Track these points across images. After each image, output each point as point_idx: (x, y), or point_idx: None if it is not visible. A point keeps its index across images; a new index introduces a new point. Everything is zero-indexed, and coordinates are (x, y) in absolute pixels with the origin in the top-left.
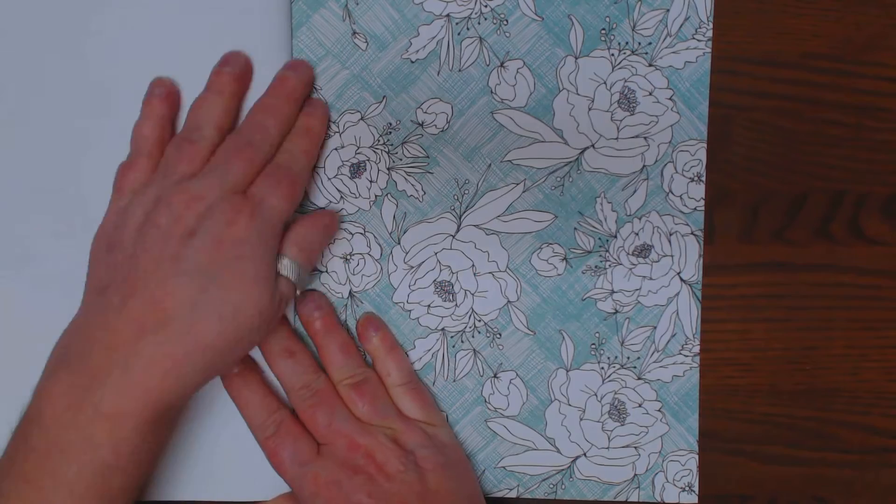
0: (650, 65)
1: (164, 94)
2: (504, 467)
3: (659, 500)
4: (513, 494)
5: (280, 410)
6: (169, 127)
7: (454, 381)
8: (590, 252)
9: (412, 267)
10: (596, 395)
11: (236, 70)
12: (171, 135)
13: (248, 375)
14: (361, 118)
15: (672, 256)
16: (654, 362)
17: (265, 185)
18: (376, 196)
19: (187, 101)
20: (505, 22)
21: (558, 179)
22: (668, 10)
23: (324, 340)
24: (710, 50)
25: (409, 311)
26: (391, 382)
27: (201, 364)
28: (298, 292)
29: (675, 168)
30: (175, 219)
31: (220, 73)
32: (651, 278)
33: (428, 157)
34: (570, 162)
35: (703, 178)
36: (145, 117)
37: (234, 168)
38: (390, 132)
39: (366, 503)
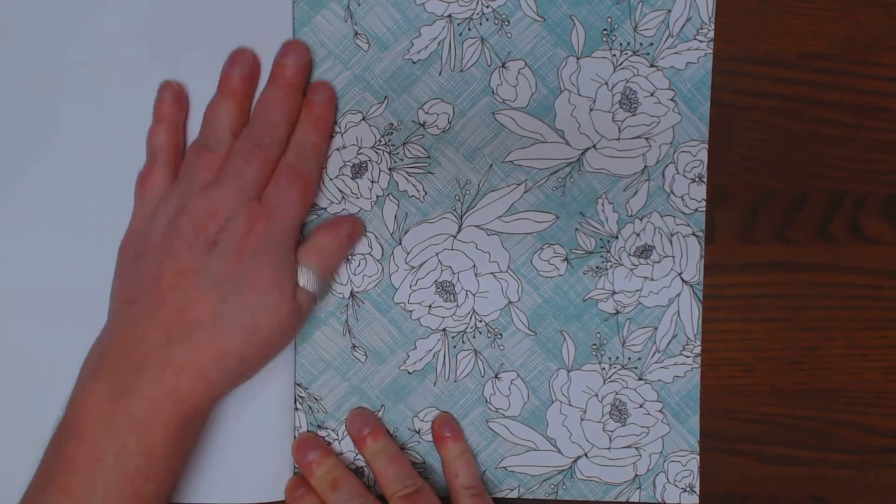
0: (652, 65)
1: (174, 98)
2: (505, 468)
3: (660, 500)
4: (514, 495)
5: None
6: (181, 129)
7: (455, 381)
8: (591, 253)
9: (413, 267)
10: (597, 395)
11: (245, 70)
12: (183, 137)
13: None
14: (363, 118)
15: (673, 257)
16: (655, 363)
17: (277, 188)
18: (378, 196)
19: (192, 102)
20: (506, 22)
21: (560, 180)
22: (669, 11)
23: (374, 455)
24: (711, 51)
25: (411, 311)
26: (459, 484)
27: (227, 371)
28: (317, 302)
29: (677, 169)
30: (198, 230)
31: (229, 75)
32: (652, 279)
33: (429, 157)
34: (572, 162)
35: (705, 179)
36: (157, 122)
37: (248, 174)
38: (392, 132)
39: None
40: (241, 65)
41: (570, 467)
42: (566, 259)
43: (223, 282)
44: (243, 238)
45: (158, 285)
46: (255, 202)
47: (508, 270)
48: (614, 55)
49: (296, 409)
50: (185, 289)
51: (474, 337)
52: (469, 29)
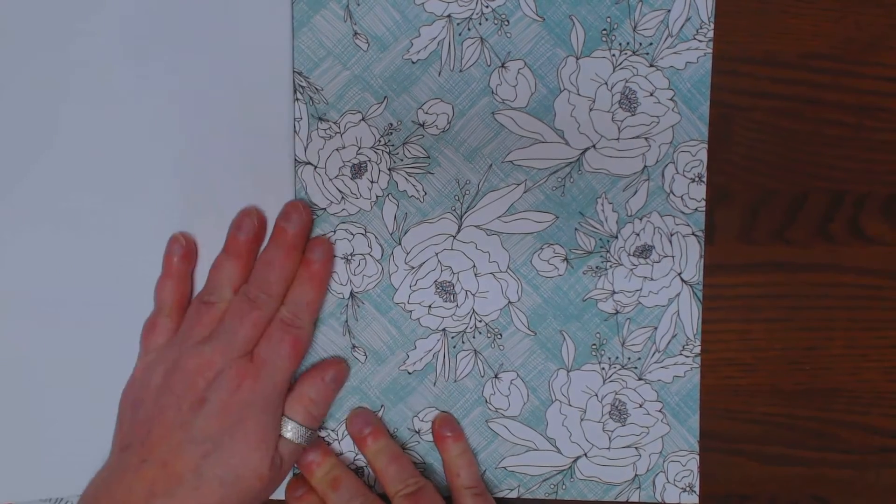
0: (651, 65)
1: (182, 253)
2: (505, 468)
3: (660, 500)
4: (513, 495)
5: None
6: (187, 281)
7: (455, 381)
8: (591, 252)
9: (413, 267)
10: (597, 395)
11: (250, 234)
12: (189, 288)
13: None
14: (362, 119)
15: (673, 257)
16: (655, 363)
17: (269, 345)
18: (377, 196)
19: (183, 108)
20: (506, 22)
21: (559, 180)
22: (669, 11)
23: (375, 455)
24: (710, 50)
25: (410, 311)
26: (460, 484)
27: None
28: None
29: (676, 168)
30: (188, 385)
31: (235, 237)
32: (652, 279)
33: (429, 157)
34: (571, 162)
35: (704, 179)
36: (165, 277)
37: (241, 333)
38: (391, 132)
39: None
40: (247, 229)
41: (570, 467)
42: (566, 259)
43: (207, 438)
44: (230, 395)
45: (149, 437)
46: (245, 359)
47: (508, 270)
48: (614, 55)
49: None
50: (171, 444)
51: (474, 337)
52: (468, 29)
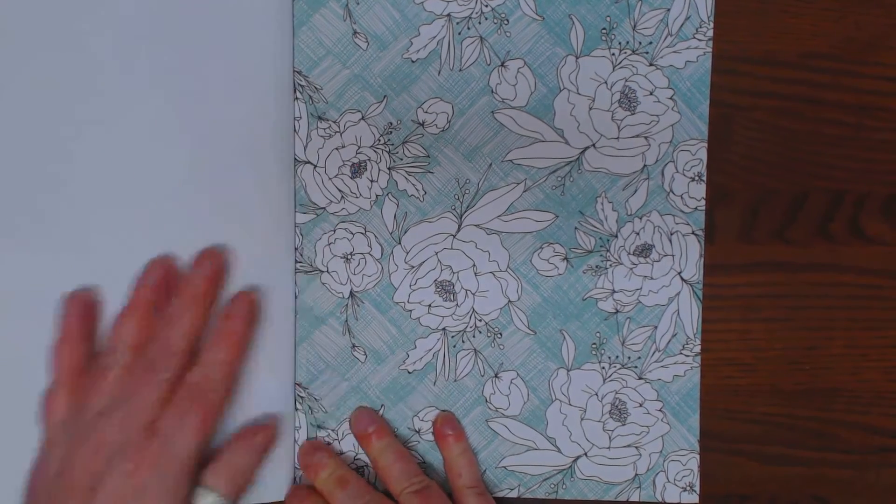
0: (651, 64)
1: (80, 312)
2: (505, 467)
3: (660, 499)
4: (514, 494)
5: None
6: (88, 342)
7: (455, 380)
8: (591, 252)
9: (413, 267)
10: (597, 394)
11: (152, 285)
12: (88, 349)
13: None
14: (362, 118)
15: (673, 256)
16: (655, 362)
17: (173, 417)
18: (377, 196)
19: (183, 108)
20: (506, 21)
21: (559, 179)
22: (668, 10)
23: (379, 453)
24: (710, 49)
25: (410, 310)
26: (462, 483)
27: None
28: None
29: (676, 167)
30: (82, 470)
31: (137, 290)
32: (652, 278)
33: (429, 156)
34: (571, 161)
35: (704, 178)
36: (61, 341)
37: (139, 400)
38: (391, 132)
39: None
40: (151, 279)
41: (570, 467)
42: (566, 258)
43: None
44: (125, 480)
45: None
46: (145, 434)
47: (508, 269)
48: (613, 54)
49: (296, 408)
50: None
51: (474, 336)
52: (468, 28)
